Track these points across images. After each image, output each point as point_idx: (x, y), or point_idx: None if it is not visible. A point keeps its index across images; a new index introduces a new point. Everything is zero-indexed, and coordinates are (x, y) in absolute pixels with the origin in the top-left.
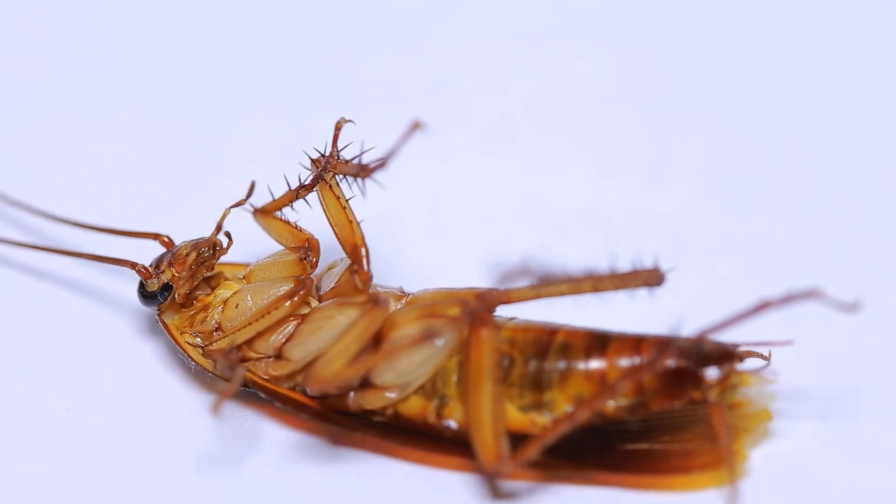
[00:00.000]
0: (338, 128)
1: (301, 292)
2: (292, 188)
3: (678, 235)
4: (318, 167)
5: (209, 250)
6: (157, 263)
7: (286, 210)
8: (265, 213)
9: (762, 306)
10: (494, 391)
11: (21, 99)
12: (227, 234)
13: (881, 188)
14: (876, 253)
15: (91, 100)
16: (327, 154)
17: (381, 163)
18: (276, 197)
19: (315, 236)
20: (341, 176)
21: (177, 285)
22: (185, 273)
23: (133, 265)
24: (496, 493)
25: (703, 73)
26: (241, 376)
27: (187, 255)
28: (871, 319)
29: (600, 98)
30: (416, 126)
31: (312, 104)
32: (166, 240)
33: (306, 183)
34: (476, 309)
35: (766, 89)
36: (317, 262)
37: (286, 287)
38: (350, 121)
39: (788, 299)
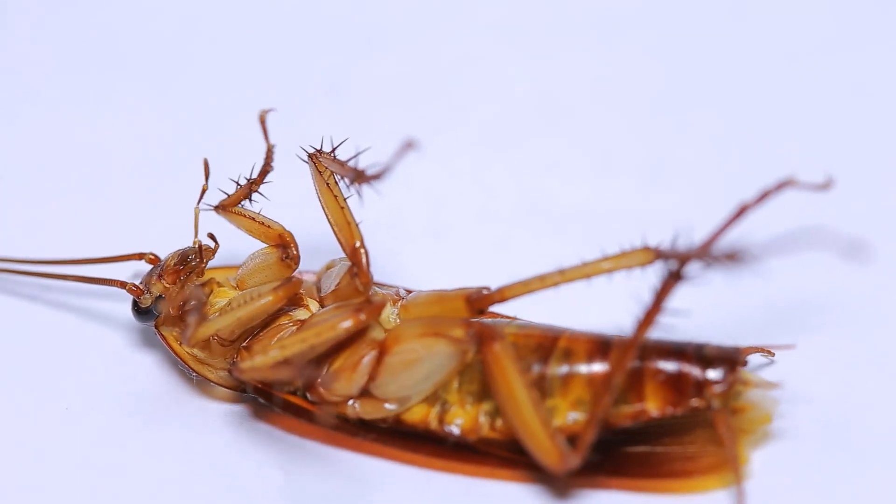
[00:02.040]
0: (262, 120)
1: (286, 286)
2: (248, 181)
3: (678, 235)
4: (313, 161)
5: (195, 257)
6: (147, 279)
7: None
8: (225, 209)
9: (741, 211)
10: (532, 396)
11: (19, 101)
12: (212, 237)
13: (881, 188)
14: (876, 253)
15: (88, 101)
16: (266, 148)
17: (376, 176)
18: (232, 193)
19: (287, 229)
20: (339, 177)
21: (169, 297)
22: (176, 283)
23: (123, 284)
24: (565, 494)
25: (702, 72)
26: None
27: (175, 265)
28: (872, 320)
29: (600, 98)
30: (409, 145)
31: (312, 104)
32: (152, 257)
33: (254, 177)
34: (480, 330)
35: (766, 89)
36: (297, 254)
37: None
38: (272, 109)
39: (764, 196)
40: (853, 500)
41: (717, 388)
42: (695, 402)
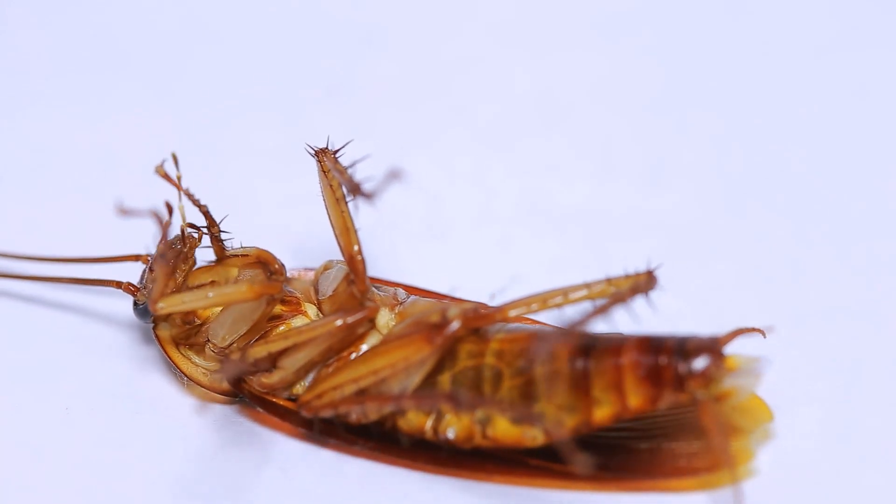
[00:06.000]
0: (161, 174)
1: (264, 283)
2: (210, 230)
3: (678, 235)
4: (319, 160)
5: (180, 243)
6: (142, 276)
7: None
8: (221, 261)
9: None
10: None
11: (19, 101)
12: (192, 226)
13: (881, 188)
14: (876, 253)
15: (88, 101)
16: (185, 194)
17: (368, 195)
18: (211, 245)
19: (262, 248)
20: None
21: None
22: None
23: (118, 284)
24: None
25: (702, 72)
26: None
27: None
28: (874, 318)
29: (600, 98)
30: (393, 175)
31: (312, 104)
32: (149, 259)
33: (208, 223)
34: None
35: (767, 89)
36: (279, 267)
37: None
38: (165, 160)
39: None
40: (854, 499)
41: (698, 379)
42: (677, 394)
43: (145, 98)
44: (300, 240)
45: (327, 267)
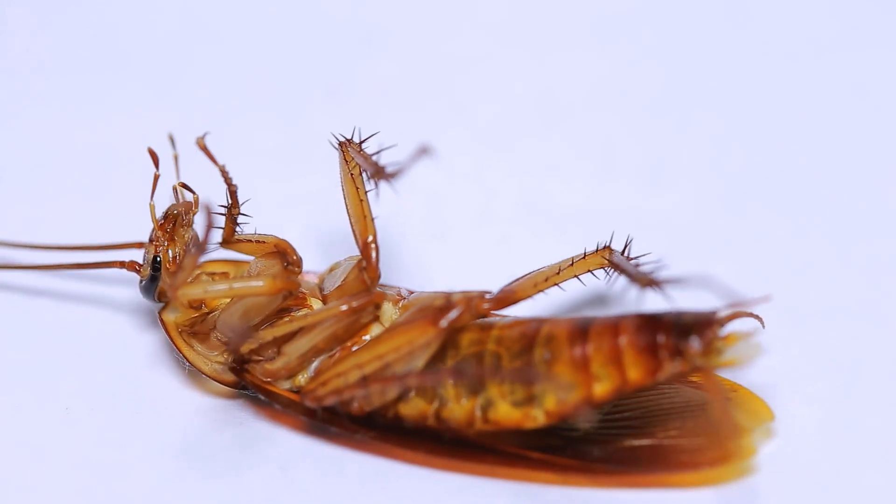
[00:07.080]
0: (202, 147)
1: (283, 277)
2: (230, 210)
3: (678, 235)
4: (342, 150)
5: (175, 209)
6: (144, 255)
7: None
8: (227, 242)
9: None
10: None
11: (19, 100)
12: (185, 186)
13: (881, 188)
14: (876, 253)
15: (88, 100)
16: (219, 171)
17: (392, 175)
18: (222, 224)
19: (281, 238)
20: (362, 169)
21: (164, 255)
22: (165, 235)
23: (121, 264)
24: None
25: (702, 73)
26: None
27: (160, 222)
28: (874, 318)
29: (600, 98)
30: (424, 150)
31: (312, 105)
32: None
33: (230, 203)
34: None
35: (767, 89)
36: (297, 258)
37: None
38: (207, 133)
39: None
40: (854, 499)
41: (696, 347)
42: (676, 365)
43: (145, 98)
44: (300, 240)
45: (333, 268)
